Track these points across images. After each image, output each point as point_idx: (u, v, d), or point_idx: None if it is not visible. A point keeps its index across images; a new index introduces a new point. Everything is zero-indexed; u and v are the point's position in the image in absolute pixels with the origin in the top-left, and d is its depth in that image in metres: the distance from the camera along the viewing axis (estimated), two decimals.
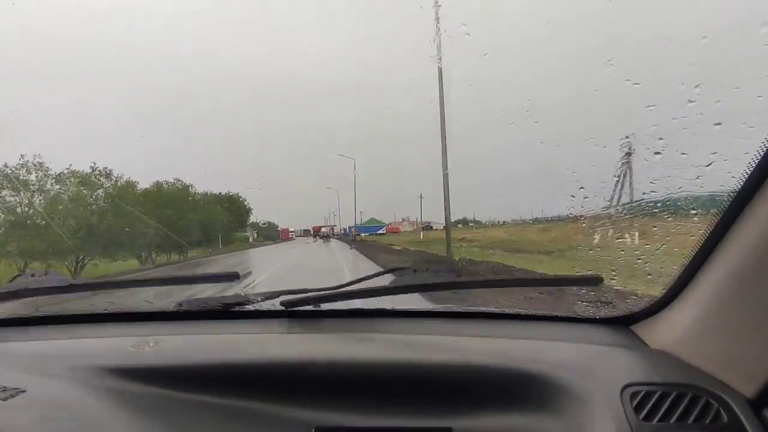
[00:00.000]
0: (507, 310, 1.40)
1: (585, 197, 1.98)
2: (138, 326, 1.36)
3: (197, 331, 1.32)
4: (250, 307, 1.36)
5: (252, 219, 44.50)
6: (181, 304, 1.36)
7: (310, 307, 1.32)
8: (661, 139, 1.50)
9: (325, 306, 1.33)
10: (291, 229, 71.39)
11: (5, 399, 0.89)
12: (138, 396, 1.00)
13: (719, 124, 1.28)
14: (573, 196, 1.91)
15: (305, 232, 69.93)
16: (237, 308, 1.36)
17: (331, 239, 48.75)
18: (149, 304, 1.53)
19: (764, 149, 0.78)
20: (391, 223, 71.68)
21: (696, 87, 1.49)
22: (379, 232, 62.01)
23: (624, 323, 1.23)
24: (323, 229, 61.91)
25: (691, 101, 1.47)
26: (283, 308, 1.30)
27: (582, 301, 1.41)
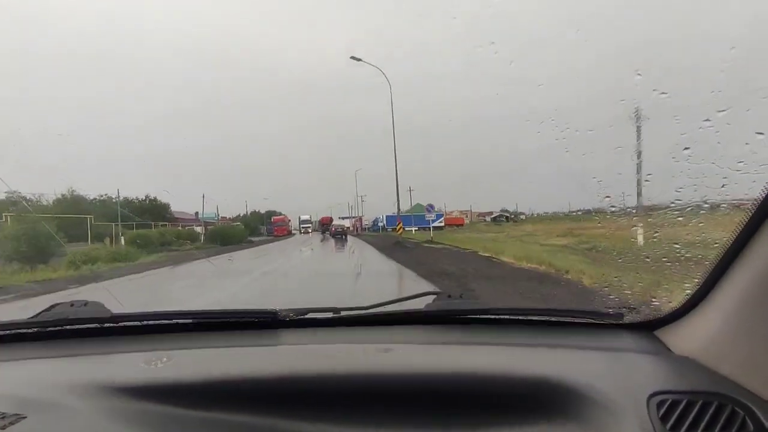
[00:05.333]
0: (530, 317, 1.37)
1: (612, 208, 2.00)
2: (149, 340, 1.29)
3: (213, 344, 1.27)
4: (262, 319, 1.34)
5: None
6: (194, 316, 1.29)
7: (322, 316, 1.31)
8: (687, 148, 1.51)
9: (344, 314, 1.31)
10: (305, 217, 51.66)
11: (4, 427, 0.80)
12: (152, 416, 0.91)
13: (761, 133, 1.26)
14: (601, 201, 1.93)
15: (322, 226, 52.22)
16: (251, 320, 1.34)
17: (347, 239, 32.01)
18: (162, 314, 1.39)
19: None
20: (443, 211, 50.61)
21: (723, 97, 1.50)
22: (436, 223, 36.59)
23: (648, 329, 1.22)
24: (337, 222, 40.83)
25: (720, 111, 1.48)
26: (296, 318, 1.29)
27: (606, 307, 1.41)
